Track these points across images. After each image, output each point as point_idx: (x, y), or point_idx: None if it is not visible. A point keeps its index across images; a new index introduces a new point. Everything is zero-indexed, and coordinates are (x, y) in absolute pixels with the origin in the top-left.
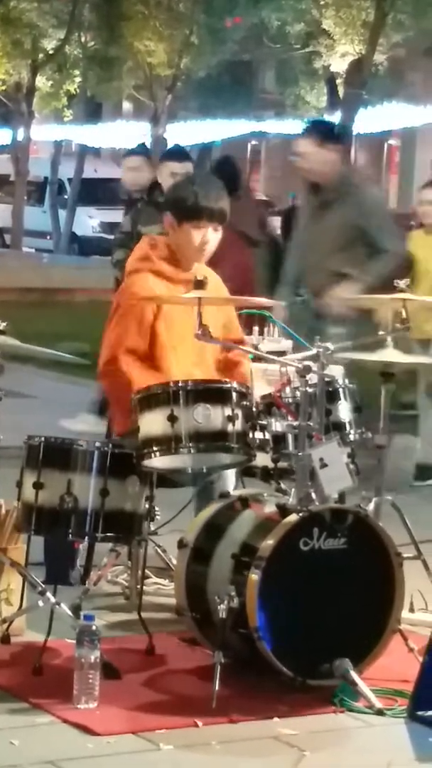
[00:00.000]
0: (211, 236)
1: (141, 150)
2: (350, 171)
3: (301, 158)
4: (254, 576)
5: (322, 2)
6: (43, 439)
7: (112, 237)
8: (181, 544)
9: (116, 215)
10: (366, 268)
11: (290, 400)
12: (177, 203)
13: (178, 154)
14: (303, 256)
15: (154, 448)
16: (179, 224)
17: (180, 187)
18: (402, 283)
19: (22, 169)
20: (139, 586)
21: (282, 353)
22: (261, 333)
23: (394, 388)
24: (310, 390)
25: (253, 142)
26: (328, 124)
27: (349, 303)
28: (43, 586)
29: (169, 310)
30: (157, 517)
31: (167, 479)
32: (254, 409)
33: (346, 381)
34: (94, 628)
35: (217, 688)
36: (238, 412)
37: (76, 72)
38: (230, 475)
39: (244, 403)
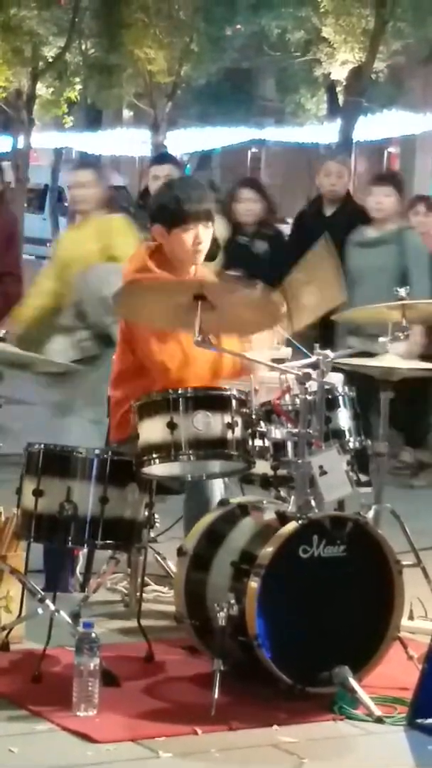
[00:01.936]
0: (202, 234)
1: None
2: None
3: None
4: (253, 583)
5: (322, 10)
6: (42, 446)
7: None
8: (181, 552)
9: None
10: None
11: (290, 408)
12: (162, 212)
13: (159, 158)
14: None
15: (154, 456)
16: (169, 232)
17: (161, 195)
18: (402, 291)
19: (23, 176)
20: (138, 594)
21: (281, 361)
22: None
23: (393, 395)
24: (309, 397)
25: (253, 150)
26: None
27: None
28: (43, 593)
29: None
30: (157, 524)
31: (165, 486)
32: (254, 417)
33: (346, 388)
34: (93, 635)
35: (216, 695)
36: (238, 419)
37: (77, 79)
38: (218, 481)
39: (244, 410)
